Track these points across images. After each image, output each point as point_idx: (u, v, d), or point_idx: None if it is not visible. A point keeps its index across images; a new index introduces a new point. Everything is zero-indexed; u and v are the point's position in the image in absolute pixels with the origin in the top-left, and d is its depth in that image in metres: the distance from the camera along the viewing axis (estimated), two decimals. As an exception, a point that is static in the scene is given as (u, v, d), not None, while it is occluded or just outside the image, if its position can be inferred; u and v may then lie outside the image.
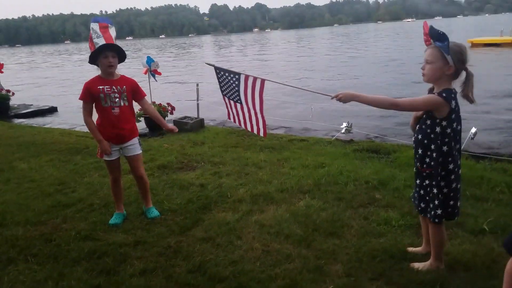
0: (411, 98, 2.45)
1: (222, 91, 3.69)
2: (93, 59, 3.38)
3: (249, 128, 3.62)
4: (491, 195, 3.89)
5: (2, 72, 10.95)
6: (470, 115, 5.76)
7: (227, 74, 3.52)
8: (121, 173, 3.74)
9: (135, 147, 3.58)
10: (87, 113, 3.41)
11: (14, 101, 11.70)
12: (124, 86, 3.41)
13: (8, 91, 10.90)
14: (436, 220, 2.50)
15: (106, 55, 3.32)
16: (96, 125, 3.45)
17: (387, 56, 25.57)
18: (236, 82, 3.45)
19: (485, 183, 4.16)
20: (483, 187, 4.08)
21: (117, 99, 3.38)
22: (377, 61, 22.90)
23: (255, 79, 3.34)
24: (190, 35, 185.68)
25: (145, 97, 3.65)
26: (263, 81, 3.31)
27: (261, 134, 3.57)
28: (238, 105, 3.57)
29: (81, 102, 3.43)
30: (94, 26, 3.52)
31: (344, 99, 2.52)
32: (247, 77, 3.37)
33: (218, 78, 3.63)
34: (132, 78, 3.58)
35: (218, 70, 3.61)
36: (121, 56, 3.44)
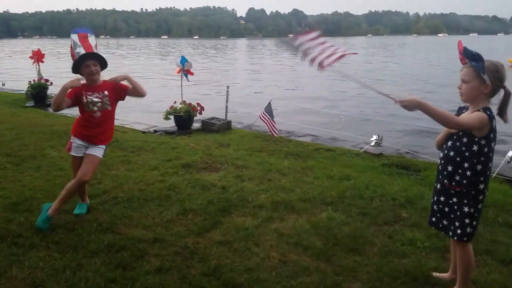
0: (466, 117, 2.32)
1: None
2: (76, 69, 3.49)
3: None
4: (526, 223, 3.68)
5: (42, 62, 11.39)
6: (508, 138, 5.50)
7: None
8: None
9: (99, 149, 3.60)
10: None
11: (51, 91, 12.10)
12: (106, 91, 3.51)
13: (46, 80, 11.29)
14: (465, 239, 2.40)
15: (87, 64, 3.43)
16: (75, 122, 3.65)
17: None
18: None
19: (519, 210, 3.95)
20: (518, 214, 3.87)
21: (100, 104, 3.50)
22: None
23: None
24: (221, 37, 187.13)
25: (128, 88, 3.58)
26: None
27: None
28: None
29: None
30: (74, 37, 3.58)
31: (409, 106, 2.19)
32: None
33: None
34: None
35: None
36: (103, 63, 3.53)
